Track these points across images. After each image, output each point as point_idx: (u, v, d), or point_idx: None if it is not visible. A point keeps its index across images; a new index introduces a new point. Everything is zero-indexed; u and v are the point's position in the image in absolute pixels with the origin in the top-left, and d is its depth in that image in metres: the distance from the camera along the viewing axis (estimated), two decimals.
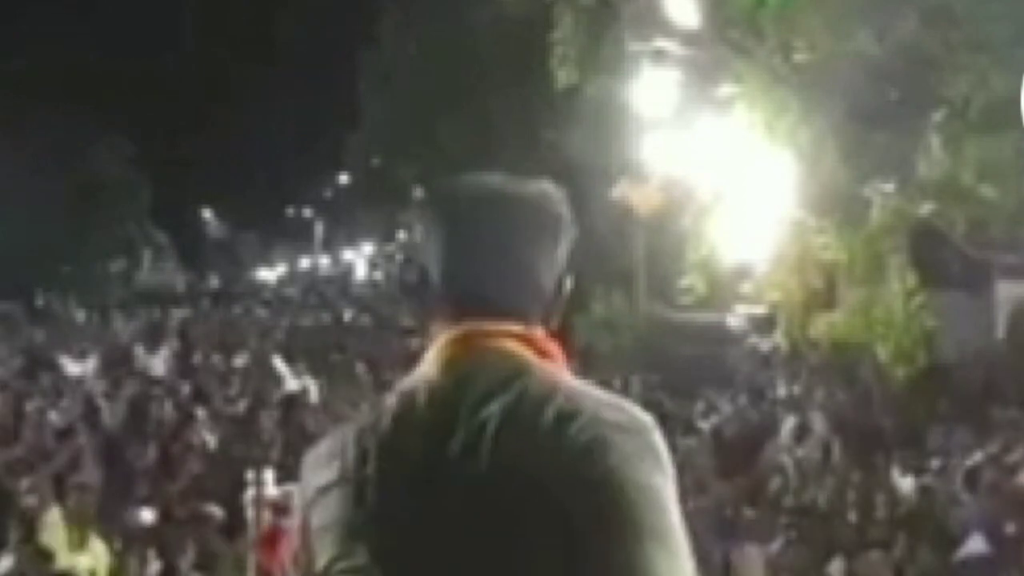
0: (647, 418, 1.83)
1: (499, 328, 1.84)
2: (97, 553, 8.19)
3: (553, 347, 1.87)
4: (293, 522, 1.98)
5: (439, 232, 1.88)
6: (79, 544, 8.14)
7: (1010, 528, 8.91)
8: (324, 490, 1.82)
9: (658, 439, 1.80)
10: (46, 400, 15.91)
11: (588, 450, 1.73)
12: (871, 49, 12.92)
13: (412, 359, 1.97)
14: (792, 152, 13.38)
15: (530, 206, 1.89)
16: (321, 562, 1.81)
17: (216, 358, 22.14)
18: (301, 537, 1.86)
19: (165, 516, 9.63)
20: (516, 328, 1.85)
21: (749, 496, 10.63)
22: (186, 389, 17.33)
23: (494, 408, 1.76)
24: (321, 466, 1.84)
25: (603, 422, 1.76)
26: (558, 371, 1.84)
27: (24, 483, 10.27)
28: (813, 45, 13.11)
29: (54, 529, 8.21)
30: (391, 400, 1.86)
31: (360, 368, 20.34)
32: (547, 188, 1.93)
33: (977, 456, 10.74)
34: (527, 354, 1.83)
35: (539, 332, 1.88)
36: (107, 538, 8.56)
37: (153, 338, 24.66)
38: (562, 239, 1.90)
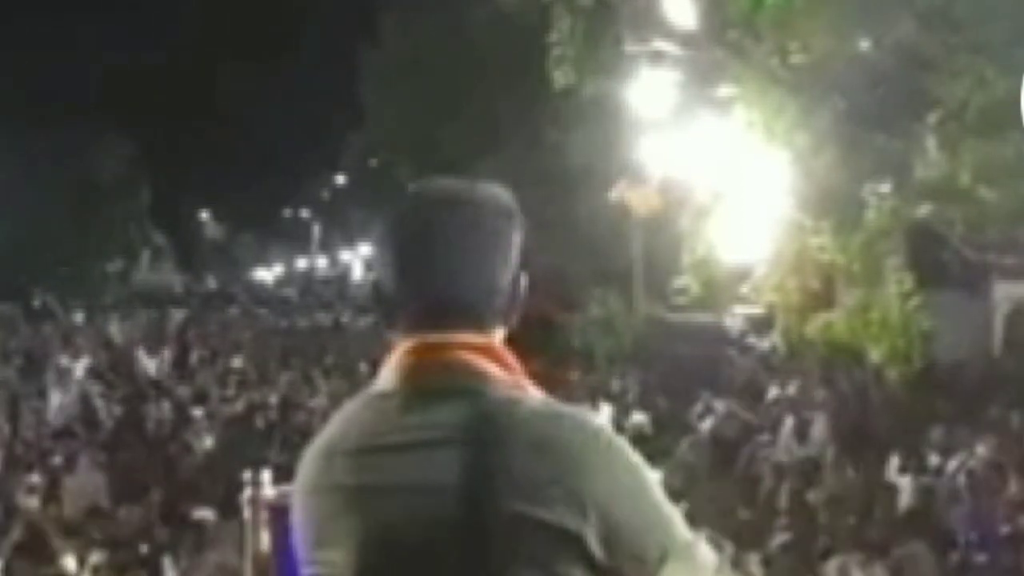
0: (607, 428, 1.83)
1: (457, 340, 1.83)
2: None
3: (511, 357, 1.86)
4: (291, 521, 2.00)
5: (392, 241, 1.87)
6: None
7: (1005, 528, 8.92)
8: (301, 495, 1.88)
9: (621, 446, 1.80)
10: (43, 400, 15.92)
11: (549, 464, 1.73)
12: (868, 51, 12.94)
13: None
14: (790, 153, 13.39)
15: (480, 208, 1.87)
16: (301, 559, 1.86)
17: (213, 359, 22.14)
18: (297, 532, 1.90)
19: (158, 518, 9.62)
20: (475, 339, 1.84)
21: (745, 497, 10.63)
22: (183, 390, 17.33)
23: (452, 423, 1.75)
24: (302, 472, 1.89)
25: (564, 436, 1.76)
26: (518, 384, 1.83)
27: (22, 483, 10.27)
28: (811, 47, 13.12)
29: None
30: (352, 412, 1.88)
31: (360, 368, 20.32)
32: (495, 188, 1.92)
33: (974, 456, 10.74)
34: (487, 366, 1.82)
35: (497, 342, 1.87)
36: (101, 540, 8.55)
37: (154, 340, 24.66)
38: (513, 237, 1.88)
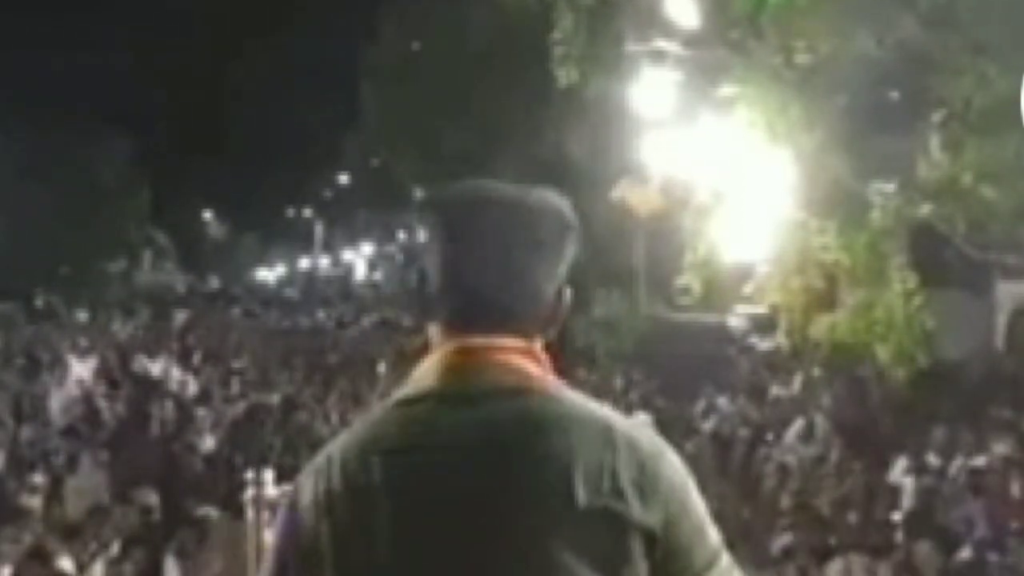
0: (655, 435, 1.82)
1: (499, 343, 1.81)
2: None
3: (547, 363, 1.85)
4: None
5: (440, 238, 1.85)
6: None
7: (1010, 528, 8.90)
8: (311, 505, 1.78)
9: (671, 450, 1.80)
10: (45, 400, 15.93)
11: (615, 459, 1.72)
12: (872, 50, 12.92)
13: (408, 359, 1.95)
14: (793, 153, 13.37)
15: (533, 214, 1.85)
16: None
17: (215, 359, 22.14)
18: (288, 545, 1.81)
19: (163, 516, 9.62)
20: (517, 343, 1.82)
21: (747, 497, 10.63)
22: (186, 390, 17.34)
23: (503, 420, 1.74)
24: (323, 476, 1.80)
25: (626, 435, 1.76)
26: (560, 386, 1.82)
27: (19, 483, 10.27)
28: (814, 46, 13.10)
29: None
30: (386, 413, 1.83)
31: (361, 368, 20.31)
32: (552, 196, 1.90)
33: (977, 457, 10.73)
34: (531, 368, 1.81)
35: (538, 346, 1.85)
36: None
37: (157, 341, 24.67)
38: (566, 249, 1.87)
